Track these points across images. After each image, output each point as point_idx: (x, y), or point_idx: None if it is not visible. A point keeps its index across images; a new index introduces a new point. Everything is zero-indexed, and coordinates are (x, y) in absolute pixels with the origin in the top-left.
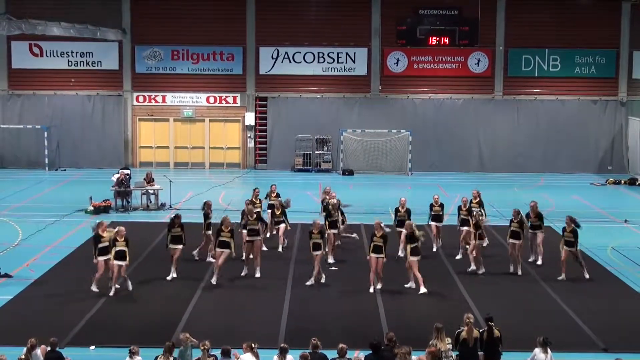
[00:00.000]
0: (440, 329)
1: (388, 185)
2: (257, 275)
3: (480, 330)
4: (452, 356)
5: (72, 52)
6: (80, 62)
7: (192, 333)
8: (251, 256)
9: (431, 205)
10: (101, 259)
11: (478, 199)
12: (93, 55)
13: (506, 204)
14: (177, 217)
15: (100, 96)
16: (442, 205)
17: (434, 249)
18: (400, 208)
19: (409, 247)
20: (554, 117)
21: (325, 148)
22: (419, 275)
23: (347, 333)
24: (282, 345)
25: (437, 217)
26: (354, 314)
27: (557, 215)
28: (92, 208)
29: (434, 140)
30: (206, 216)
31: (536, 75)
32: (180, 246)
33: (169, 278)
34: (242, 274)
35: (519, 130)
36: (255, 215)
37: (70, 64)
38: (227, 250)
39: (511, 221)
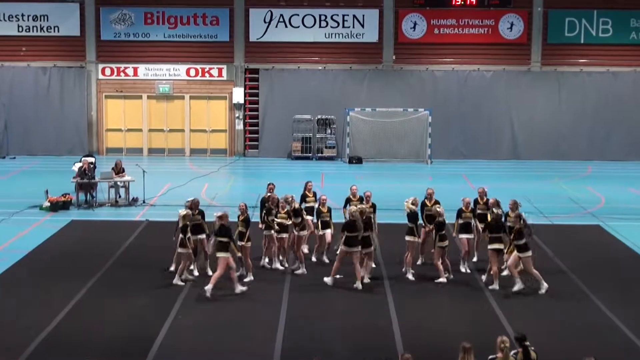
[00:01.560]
0: (468, 350)
1: (404, 176)
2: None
3: (513, 353)
4: None
5: (22, 15)
6: (32, 27)
7: (170, 352)
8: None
9: (460, 212)
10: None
11: (485, 200)
12: (48, 18)
13: (545, 198)
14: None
15: (57, 68)
16: (473, 212)
17: (464, 270)
18: (427, 201)
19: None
20: (604, 93)
21: (329, 131)
22: (440, 266)
23: (355, 353)
24: None
25: (468, 227)
26: (363, 330)
27: (609, 211)
28: (49, 204)
29: (458, 121)
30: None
31: (582, 42)
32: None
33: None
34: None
35: (561, 109)
36: (287, 208)
37: (20, 29)
38: (224, 255)
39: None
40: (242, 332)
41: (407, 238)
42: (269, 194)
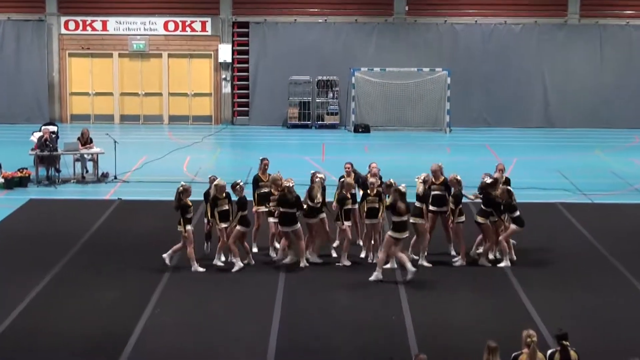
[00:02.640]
0: (494, 350)
1: (418, 147)
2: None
3: (550, 352)
4: None
5: None
6: None
7: (146, 352)
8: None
9: (482, 190)
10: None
11: (442, 179)
12: None
13: (584, 173)
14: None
15: (12, 22)
16: (511, 195)
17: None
18: (434, 179)
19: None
20: None
21: (331, 95)
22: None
23: (361, 354)
24: None
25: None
26: (371, 328)
27: None
28: (3, 180)
29: (482, 83)
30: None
31: None
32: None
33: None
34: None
35: (602, 68)
36: (375, 191)
37: None
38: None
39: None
40: (230, 329)
41: (416, 220)
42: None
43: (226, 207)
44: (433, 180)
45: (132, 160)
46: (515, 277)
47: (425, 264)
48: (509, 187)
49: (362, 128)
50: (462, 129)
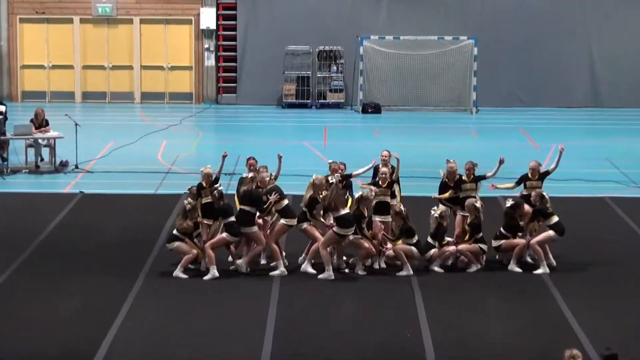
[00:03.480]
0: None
1: (439, 131)
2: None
3: None
4: None
5: None
6: None
7: None
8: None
9: (524, 180)
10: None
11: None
12: None
13: (638, 161)
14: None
15: None
16: (545, 200)
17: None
18: (466, 177)
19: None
20: None
21: (334, 68)
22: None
23: None
24: None
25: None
26: (382, 346)
27: None
28: None
29: (516, 54)
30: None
31: None
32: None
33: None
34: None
35: None
36: (388, 182)
37: None
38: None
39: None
40: (215, 346)
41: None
42: (250, 175)
43: (210, 199)
44: (465, 178)
45: (97, 147)
46: (554, 285)
47: (437, 268)
48: (542, 192)
49: (372, 108)
50: (491, 109)
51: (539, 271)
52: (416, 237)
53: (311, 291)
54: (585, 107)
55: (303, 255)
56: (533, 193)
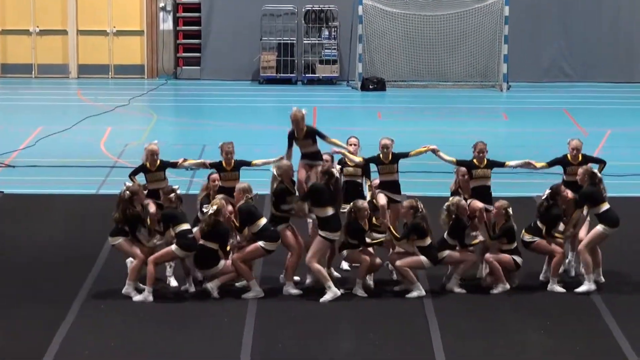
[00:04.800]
0: None
1: (460, 112)
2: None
3: None
4: None
5: None
6: None
7: None
8: None
9: (564, 163)
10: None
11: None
12: None
13: None
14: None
15: None
16: (597, 179)
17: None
18: (477, 161)
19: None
20: None
21: (326, 33)
22: (497, 266)
23: None
24: None
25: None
26: None
27: None
28: None
29: (559, 16)
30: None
31: None
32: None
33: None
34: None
35: None
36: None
37: None
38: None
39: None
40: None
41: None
42: (214, 207)
43: (162, 183)
44: (475, 161)
45: (20, 134)
46: (606, 306)
47: (457, 289)
48: (592, 170)
49: (374, 84)
50: (526, 84)
51: (583, 288)
52: (429, 239)
53: (295, 320)
54: None
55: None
56: (580, 170)
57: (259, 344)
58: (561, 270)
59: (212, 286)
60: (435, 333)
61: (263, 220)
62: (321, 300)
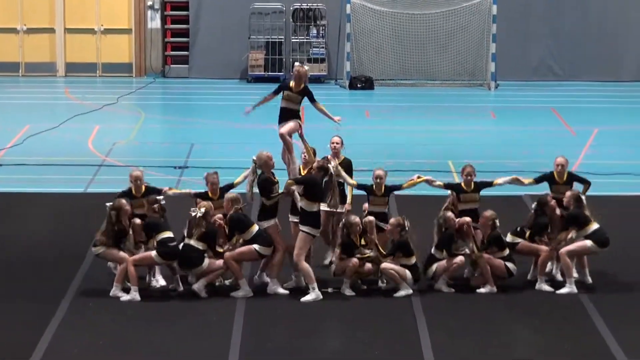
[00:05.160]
0: None
1: (448, 111)
2: None
3: None
4: None
5: None
6: None
7: None
8: None
9: (550, 180)
10: None
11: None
12: None
13: None
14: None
15: None
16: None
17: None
18: (464, 184)
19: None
20: None
21: (314, 32)
22: (487, 268)
23: None
24: None
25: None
26: None
27: None
28: None
29: (547, 15)
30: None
31: None
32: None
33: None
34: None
35: None
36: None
37: None
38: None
39: None
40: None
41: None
42: (200, 210)
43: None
44: (463, 185)
45: (7, 133)
46: (594, 306)
47: (444, 288)
48: (578, 193)
49: (362, 83)
50: (514, 83)
51: (564, 291)
52: (414, 259)
53: (284, 319)
54: (636, 82)
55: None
56: (568, 193)
57: (247, 342)
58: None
59: (199, 287)
60: (424, 332)
61: (255, 228)
62: (302, 299)
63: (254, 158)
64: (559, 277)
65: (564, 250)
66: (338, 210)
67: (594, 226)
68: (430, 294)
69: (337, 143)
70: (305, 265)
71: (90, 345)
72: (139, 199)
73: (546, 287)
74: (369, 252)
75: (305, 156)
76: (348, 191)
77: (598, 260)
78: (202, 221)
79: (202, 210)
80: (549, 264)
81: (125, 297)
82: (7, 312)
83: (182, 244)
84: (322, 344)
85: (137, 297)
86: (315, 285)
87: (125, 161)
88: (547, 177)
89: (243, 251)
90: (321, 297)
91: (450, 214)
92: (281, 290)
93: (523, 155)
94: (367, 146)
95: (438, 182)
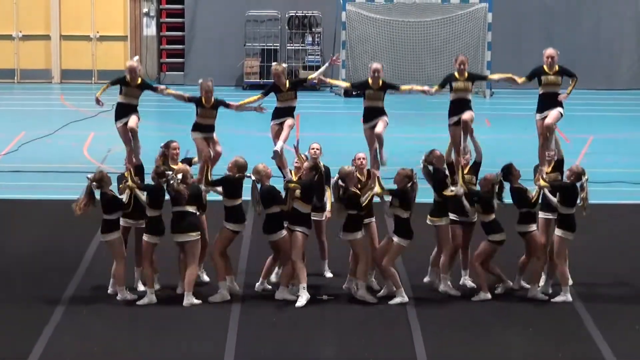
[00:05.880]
0: None
1: (442, 119)
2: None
3: None
4: None
5: None
6: None
7: None
8: None
9: (540, 70)
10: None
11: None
12: None
13: None
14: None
15: None
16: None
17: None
18: (458, 73)
19: None
20: None
21: (309, 39)
22: (481, 272)
23: None
24: None
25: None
26: None
27: None
28: None
29: (542, 22)
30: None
31: None
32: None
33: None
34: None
35: None
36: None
37: None
38: None
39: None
40: None
41: (433, 221)
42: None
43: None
44: (458, 75)
45: (3, 139)
46: (589, 316)
47: (452, 291)
48: (582, 171)
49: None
50: (509, 91)
51: (559, 298)
52: (407, 214)
53: (279, 325)
54: (632, 90)
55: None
56: (573, 167)
57: (242, 349)
58: (540, 290)
59: (187, 303)
60: (418, 339)
61: (239, 201)
62: (296, 305)
63: (252, 176)
64: (550, 290)
65: (556, 259)
66: (319, 218)
67: (571, 211)
68: (425, 302)
69: (316, 149)
70: (300, 264)
71: (85, 351)
72: (132, 88)
73: (540, 296)
74: (369, 193)
75: (297, 164)
76: (327, 198)
77: (593, 267)
78: (181, 186)
79: (180, 176)
80: (542, 278)
81: (143, 300)
82: (1, 318)
83: (173, 213)
84: (316, 351)
85: (154, 299)
86: (305, 285)
87: (120, 168)
88: (537, 71)
89: (221, 238)
90: (308, 296)
91: (438, 151)
92: (289, 296)
93: (518, 162)
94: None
95: (434, 88)
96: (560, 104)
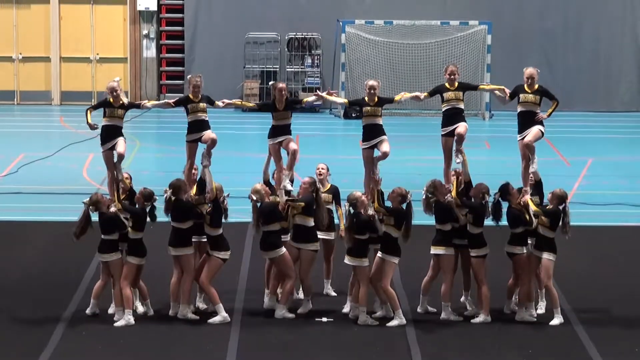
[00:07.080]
0: None
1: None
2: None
3: None
4: None
5: None
6: None
7: None
8: None
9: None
10: None
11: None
12: None
13: None
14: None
15: None
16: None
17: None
18: (448, 84)
19: None
20: None
21: (309, 61)
22: (485, 292)
23: None
24: None
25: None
26: None
27: None
28: None
29: (541, 44)
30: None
31: None
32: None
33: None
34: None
35: None
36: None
37: None
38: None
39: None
40: None
41: (436, 251)
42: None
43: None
44: (448, 85)
45: (3, 161)
46: (589, 339)
47: (453, 317)
48: (565, 196)
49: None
50: (509, 113)
51: (555, 322)
52: (398, 233)
53: (278, 347)
54: (631, 112)
55: (269, 293)
56: (557, 191)
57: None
58: (535, 314)
59: (183, 314)
60: (415, 349)
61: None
62: (298, 311)
63: (252, 196)
64: (543, 309)
65: (546, 282)
66: (329, 237)
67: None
68: (425, 324)
69: (323, 169)
70: (309, 281)
71: None
72: (115, 109)
73: (528, 317)
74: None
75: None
76: (339, 217)
77: (592, 289)
78: (176, 200)
79: (170, 190)
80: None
81: (119, 322)
82: (1, 339)
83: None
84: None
85: (131, 319)
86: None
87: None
88: (517, 89)
89: (210, 268)
90: (310, 306)
91: (438, 180)
92: (289, 315)
93: (517, 184)
94: (361, 175)
95: (424, 94)
96: (539, 123)
